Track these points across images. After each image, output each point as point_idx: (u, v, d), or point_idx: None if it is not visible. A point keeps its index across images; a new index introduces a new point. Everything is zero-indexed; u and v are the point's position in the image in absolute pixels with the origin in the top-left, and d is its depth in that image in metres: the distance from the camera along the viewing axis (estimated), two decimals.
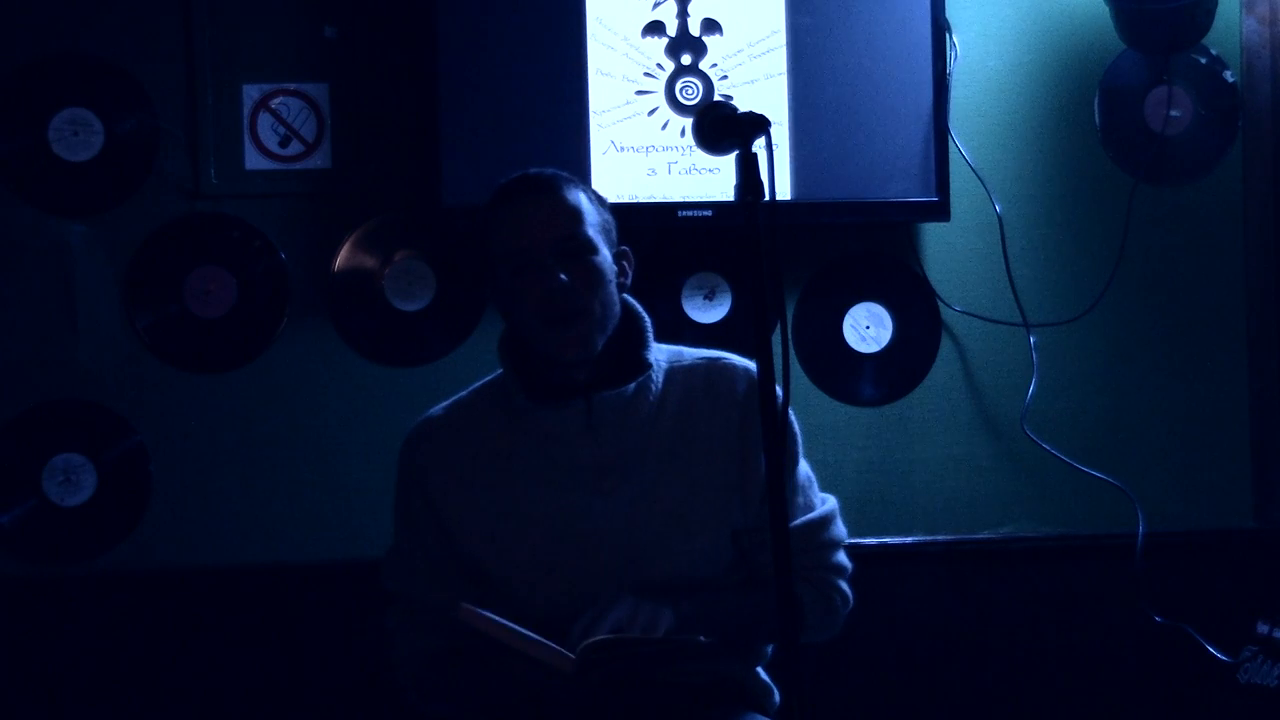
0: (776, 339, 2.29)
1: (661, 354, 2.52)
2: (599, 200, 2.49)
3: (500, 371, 2.52)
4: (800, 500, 2.52)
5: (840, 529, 2.54)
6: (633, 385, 2.44)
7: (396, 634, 2.53)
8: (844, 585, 2.54)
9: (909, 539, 3.34)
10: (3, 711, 3.15)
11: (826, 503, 2.55)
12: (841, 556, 2.54)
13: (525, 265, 2.38)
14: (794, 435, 2.52)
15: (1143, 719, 3.36)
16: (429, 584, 2.48)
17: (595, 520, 2.40)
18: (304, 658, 3.20)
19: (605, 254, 2.43)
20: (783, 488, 2.03)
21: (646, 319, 2.50)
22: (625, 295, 2.49)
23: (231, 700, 3.19)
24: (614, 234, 2.48)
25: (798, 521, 2.48)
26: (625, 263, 2.48)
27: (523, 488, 2.44)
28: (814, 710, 2.13)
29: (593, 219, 2.43)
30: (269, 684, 3.20)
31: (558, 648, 2.22)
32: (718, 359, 2.53)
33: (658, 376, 2.48)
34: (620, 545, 2.40)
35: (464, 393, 2.57)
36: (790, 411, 2.46)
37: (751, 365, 2.50)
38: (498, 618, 2.24)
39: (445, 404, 2.56)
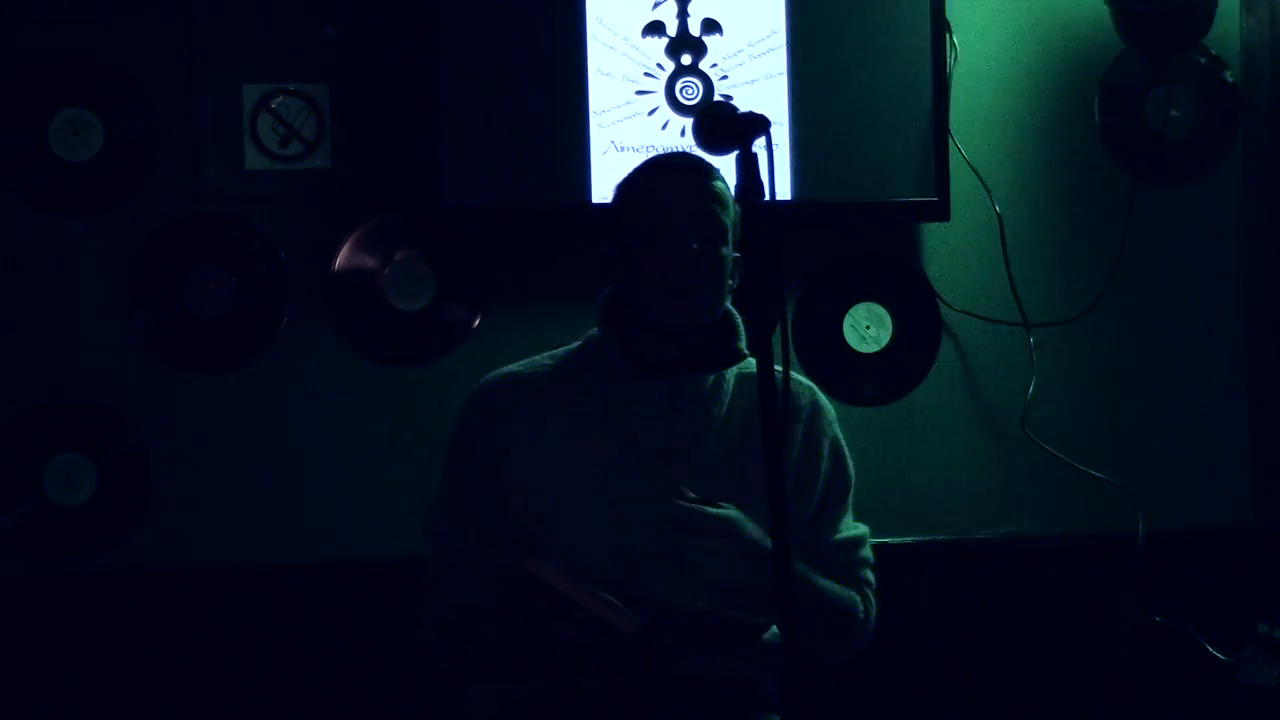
0: (776, 339, 2.29)
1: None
2: (735, 201, 2.50)
3: (577, 345, 2.55)
4: (842, 524, 2.59)
5: (871, 553, 2.61)
6: (713, 376, 2.48)
7: (434, 586, 2.49)
8: (874, 601, 2.59)
9: (909, 539, 3.34)
10: (3, 711, 3.15)
11: (861, 528, 2.61)
12: (871, 576, 2.60)
13: (664, 229, 2.41)
14: (849, 466, 2.60)
15: (1143, 719, 3.36)
16: (475, 539, 2.46)
17: (652, 504, 2.40)
18: (303, 658, 3.20)
19: (731, 249, 2.46)
20: (782, 481, 2.04)
21: (740, 319, 2.54)
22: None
23: (231, 700, 3.19)
24: (737, 236, 2.50)
25: (841, 535, 2.56)
26: (736, 266, 2.50)
27: (587, 457, 2.44)
28: (815, 709, 2.13)
29: (731, 212, 2.46)
30: (269, 684, 3.20)
31: (623, 608, 2.24)
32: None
33: (729, 380, 2.51)
34: (670, 534, 2.40)
35: (540, 355, 2.58)
36: (845, 446, 2.58)
37: (811, 384, 2.60)
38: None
39: (521, 362, 2.57)
